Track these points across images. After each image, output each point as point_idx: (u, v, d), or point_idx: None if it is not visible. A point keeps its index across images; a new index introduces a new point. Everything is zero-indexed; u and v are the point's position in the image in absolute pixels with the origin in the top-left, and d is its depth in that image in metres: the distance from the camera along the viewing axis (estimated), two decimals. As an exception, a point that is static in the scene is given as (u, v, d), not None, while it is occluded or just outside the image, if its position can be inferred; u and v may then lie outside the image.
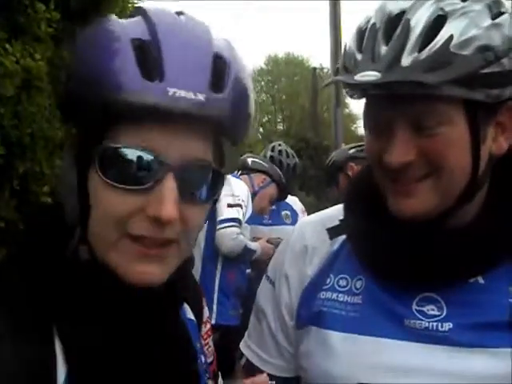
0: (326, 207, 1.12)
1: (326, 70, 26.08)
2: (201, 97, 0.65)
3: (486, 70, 0.79)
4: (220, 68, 0.69)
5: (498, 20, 0.81)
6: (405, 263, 0.89)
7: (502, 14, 0.82)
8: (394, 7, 0.84)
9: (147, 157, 0.67)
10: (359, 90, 0.86)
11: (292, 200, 4.00)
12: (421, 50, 0.79)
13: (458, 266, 0.88)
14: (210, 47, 0.70)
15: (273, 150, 3.89)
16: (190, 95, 0.65)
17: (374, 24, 0.85)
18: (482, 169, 0.87)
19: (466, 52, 0.79)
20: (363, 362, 0.89)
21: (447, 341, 0.86)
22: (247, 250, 3.25)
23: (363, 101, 0.90)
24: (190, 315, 0.93)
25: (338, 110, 10.48)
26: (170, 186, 0.67)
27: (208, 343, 0.99)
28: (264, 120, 35.76)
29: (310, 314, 0.97)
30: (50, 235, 0.75)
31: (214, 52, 0.70)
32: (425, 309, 0.89)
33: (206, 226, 3.33)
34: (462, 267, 0.88)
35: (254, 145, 14.88)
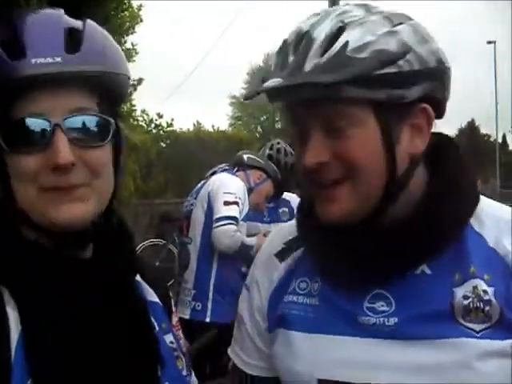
0: None
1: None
2: (58, 59, 0.81)
3: (381, 71, 0.86)
4: (73, 35, 0.85)
5: (395, 28, 0.89)
6: (350, 264, 0.94)
7: (401, 23, 0.90)
8: (305, 25, 0.92)
9: (37, 120, 0.82)
10: (272, 97, 0.92)
11: (290, 197, 3.99)
12: (322, 56, 0.87)
13: (398, 259, 0.92)
14: (60, 23, 0.86)
15: (271, 149, 3.88)
16: (48, 60, 0.80)
17: (285, 40, 0.93)
18: (402, 169, 0.91)
19: (361, 55, 0.86)
20: (322, 358, 0.94)
21: (394, 334, 0.90)
22: (244, 247, 3.23)
23: None
24: (154, 298, 1.02)
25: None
26: (59, 137, 0.81)
27: (179, 334, 1.07)
28: (262, 119, 35.71)
29: (277, 316, 1.02)
30: None
31: (65, 25, 0.86)
32: (375, 305, 0.93)
33: (202, 223, 3.33)
34: (401, 259, 0.92)
35: (251, 143, 14.88)
